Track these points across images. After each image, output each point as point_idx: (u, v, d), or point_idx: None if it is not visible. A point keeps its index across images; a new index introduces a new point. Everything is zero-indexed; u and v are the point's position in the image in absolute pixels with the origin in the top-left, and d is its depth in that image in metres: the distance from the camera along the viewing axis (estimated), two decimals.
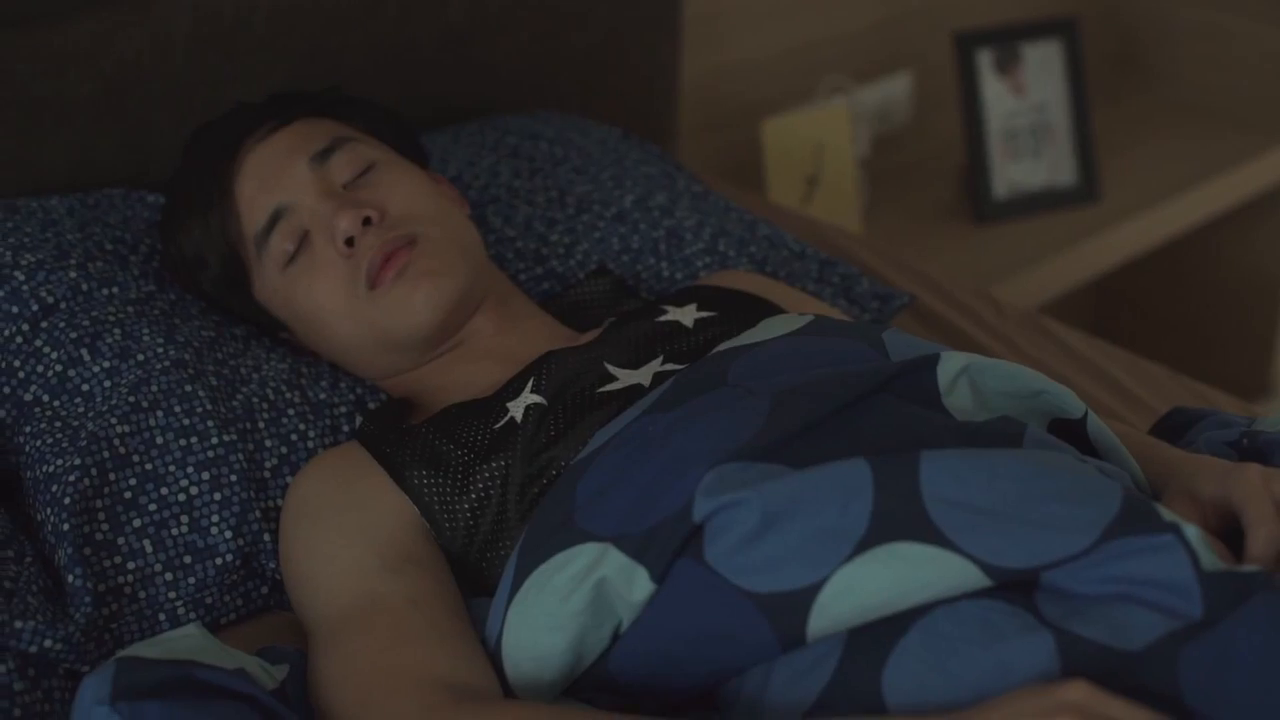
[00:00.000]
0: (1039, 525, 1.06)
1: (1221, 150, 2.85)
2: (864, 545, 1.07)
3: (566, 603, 1.14)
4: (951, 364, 1.24)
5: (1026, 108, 2.66)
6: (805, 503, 1.09)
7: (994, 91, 2.65)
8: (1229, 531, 1.19)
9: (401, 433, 1.39)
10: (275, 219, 1.47)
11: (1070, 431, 1.27)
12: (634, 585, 1.12)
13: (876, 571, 1.06)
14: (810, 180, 2.50)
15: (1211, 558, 1.04)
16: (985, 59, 2.64)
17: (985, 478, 1.08)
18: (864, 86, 2.71)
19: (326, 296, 1.46)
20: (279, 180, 1.49)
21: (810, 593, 1.07)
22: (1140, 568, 1.04)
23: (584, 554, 1.14)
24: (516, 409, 1.36)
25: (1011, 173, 2.66)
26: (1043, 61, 2.66)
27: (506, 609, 1.18)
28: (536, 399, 1.36)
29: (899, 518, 1.07)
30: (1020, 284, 2.48)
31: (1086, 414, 1.26)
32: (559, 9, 2.05)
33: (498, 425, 1.36)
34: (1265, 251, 3.03)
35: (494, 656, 1.21)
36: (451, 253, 1.47)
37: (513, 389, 1.39)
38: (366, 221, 1.44)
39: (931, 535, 1.06)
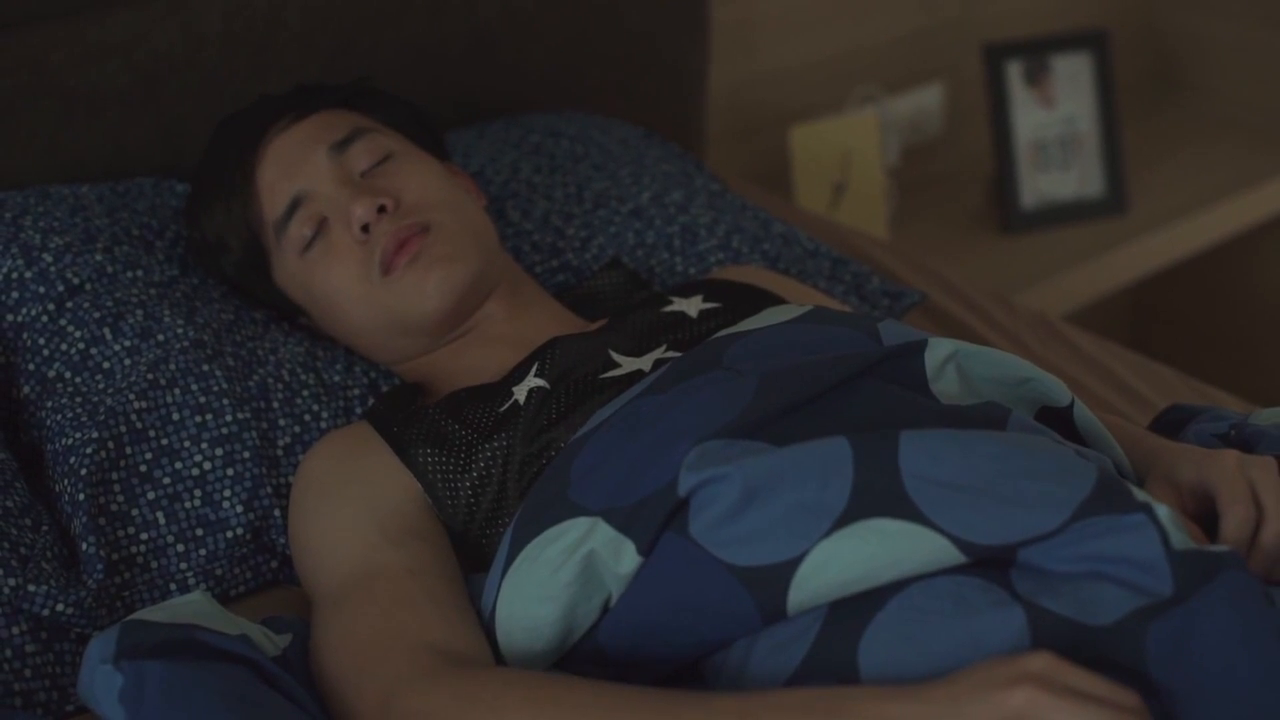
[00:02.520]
0: (1013, 502, 1.08)
1: (1253, 164, 2.86)
2: (843, 521, 1.09)
3: (557, 574, 1.17)
4: (939, 350, 1.26)
5: (1055, 119, 2.68)
6: (786, 478, 1.11)
7: (1023, 103, 2.67)
8: (1208, 517, 1.22)
9: (410, 413, 1.43)
10: (294, 205, 1.52)
11: (1058, 420, 1.30)
12: (621, 557, 1.16)
13: (855, 546, 1.09)
14: (837, 187, 2.53)
15: (1182, 537, 1.06)
16: (1015, 70, 2.66)
17: (961, 454, 1.11)
18: (895, 97, 2.74)
19: (342, 281, 1.50)
20: (299, 168, 1.53)
21: (790, 567, 1.10)
22: (1112, 546, 1.06)
23: (575, 528, 1.18)
24: (520, 392, 1.40)
25: (1040, 184, 2.68)
26: (1072, 73, 2.68)
27: (501, 580, 1.22)
28: (539, 382, 1.40)
29: (877, 493, 1.10)
30: (1046, 293, 2.50)
31: (1073, 402, 1.28)
32: (589, 11, 2.08)
33: (502, 408, 1.39)
34: None
35: (489, 628, 1.24)
36: (464, 239, 1.51)
37: (518, 373, 1.43)
38: (381, 209, 1.48)
39: (909, 511, 1.08)
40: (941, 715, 0.97)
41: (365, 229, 1.48)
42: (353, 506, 1.35)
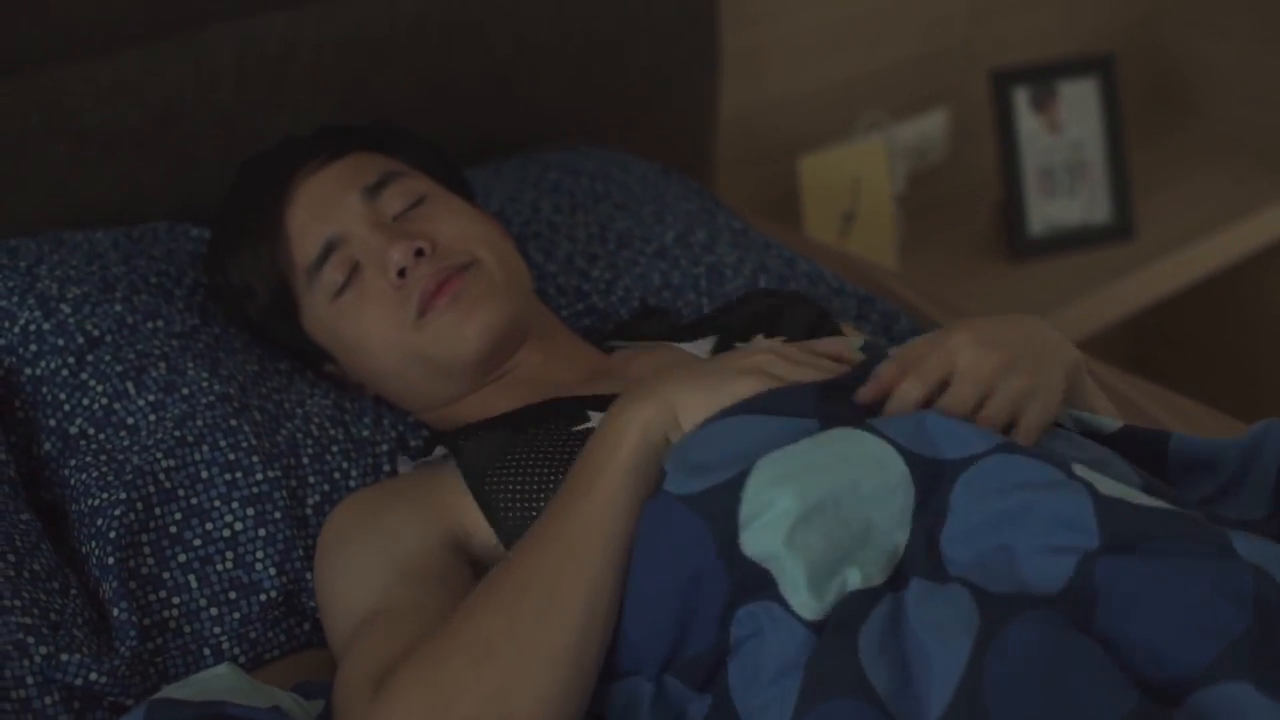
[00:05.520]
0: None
1: (1259, 187, 2.85)
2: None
3: None
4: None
5: (1062, 145, 2.66)
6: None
7: (1030, 128, 2.65)
8: None
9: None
10: (328, 250, 1.48)
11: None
12: None
13: (804, 448, 1.11)
14: (847, 216, 2.51)
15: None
16: (1022, 96, 2.64)
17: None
18: (901, 122, 2.72)
19: (375, 327, 1.46)
20: (332, 211, 1.50)
21: (737, 480, 1.10)
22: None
23: None
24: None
25: (1047, 210, 2.66)
26: (1079, 99, 2.66)
27: None
28: None
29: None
30: (1058, 322, 2.48)
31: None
32: (601, 45, 2.06)
33: (576, 426, 1.37)
34: None
35: None
36: (504, 279, 1.48)
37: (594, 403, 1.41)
38: (419, 253, 1.45)
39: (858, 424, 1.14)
40: (689, 401, 1.18)
41: (402, 274, 1.45)
42: (371, 557, 1.31)
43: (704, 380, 1.20)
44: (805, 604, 1.07)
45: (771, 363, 1.21)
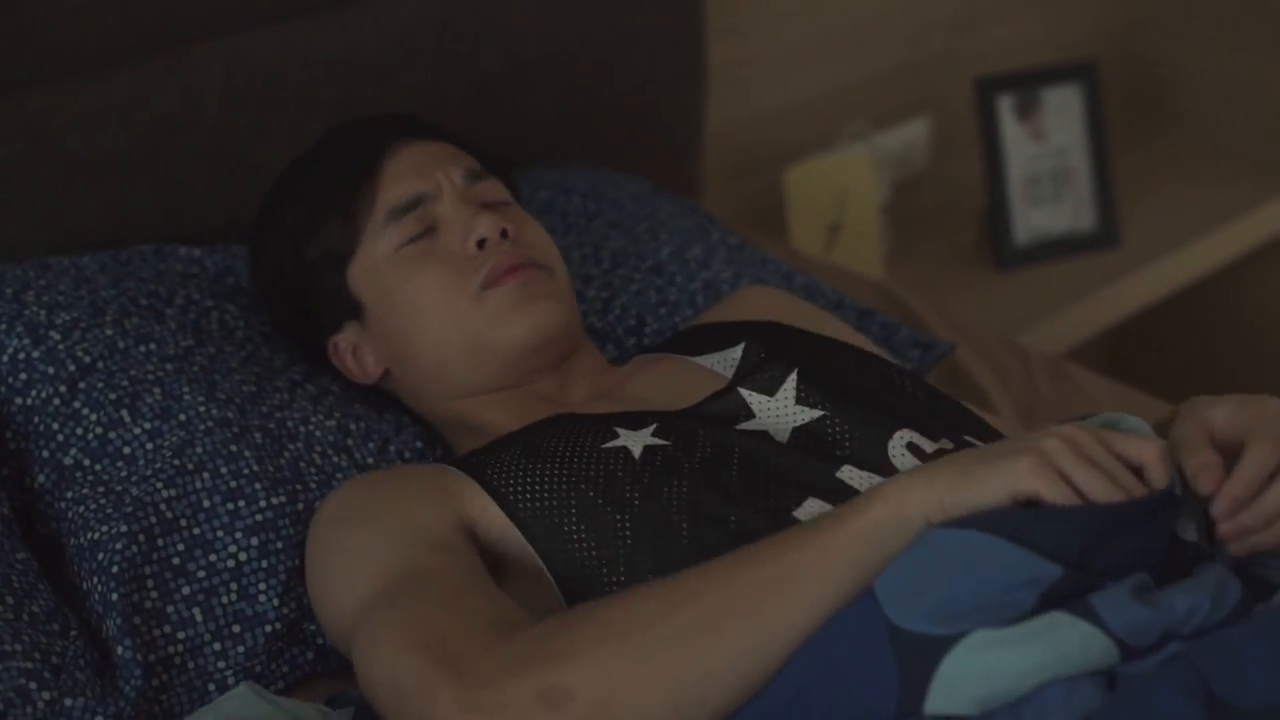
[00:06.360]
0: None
1: (1242, 192, 2.83)
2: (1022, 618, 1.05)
3: None
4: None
5: (1047, 153, 2.65)
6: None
7: (1014, 137, 2.64)
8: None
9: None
10: (417, 202, 1.49)
11: None
12: None
13: (1018, 635, 1.04)
14: (833, 228, 2.49)
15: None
16: (1006, 104, 2.63)
17: None
18: (884, 132, 2.70)
19: (434, 284, 1.46)
20: (431, 174, 1.51)
21: (947, 642, 1.04)
22: None
23: None
24: (632, 442, 1.34)
25: (1032, 219, 2.65)
26: (1063, 106, 2.65)
27: None
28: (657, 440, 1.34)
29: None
30: (1045, 333, 2.47)
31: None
32: (590, 61, 2.05)
33: (604, 444, 1.34)
34: None
35: None
36: (569, 294, 1.51)
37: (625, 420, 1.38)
38: (503, 234, 1.47)
39: (1084, 611, 1.04)
40: (956, 482, 1.08)
41: (481, 244, 1.45)
42: (389, 525, 1.28)
43: (977, 461, 1.11)
44: None
45: (1061, 453, 1.09)
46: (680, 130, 2.21)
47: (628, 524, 1.26)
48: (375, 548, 1.26)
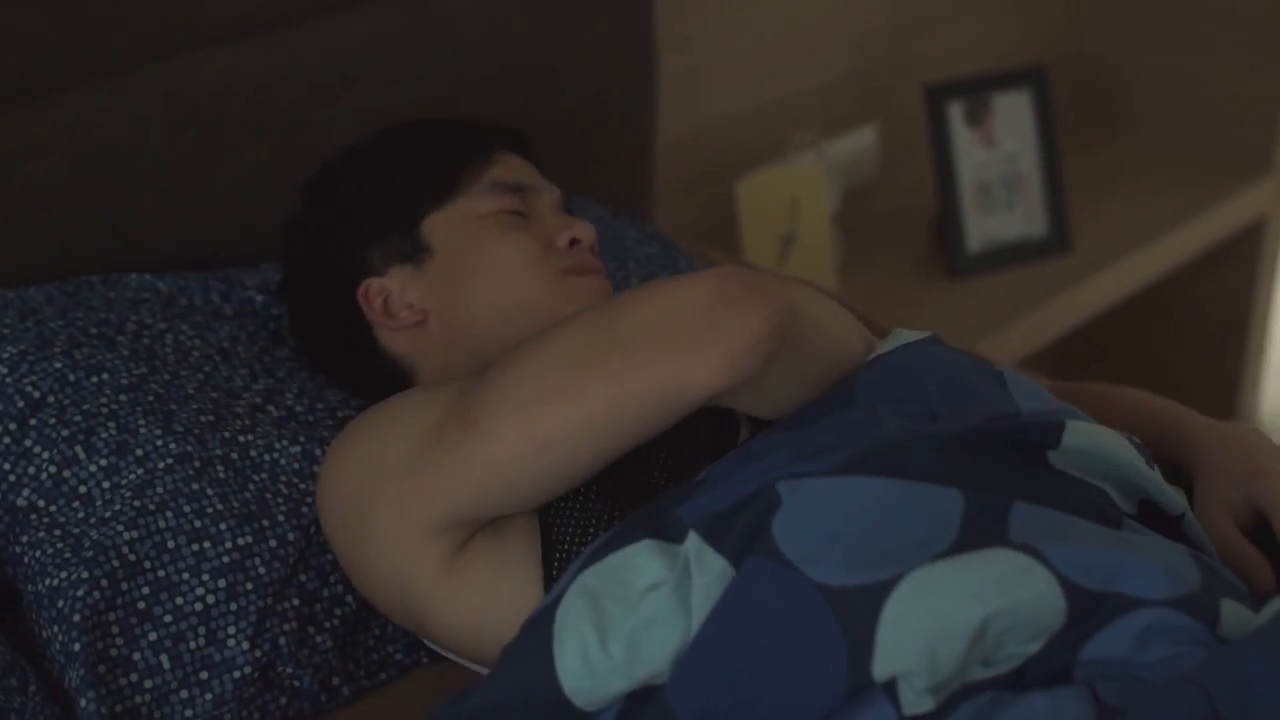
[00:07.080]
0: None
1: (1191, 195, 2.84)
2: (946, 553, 1.06)
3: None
4: (1077, 437, 1.20)
5: (998, 158, 2.63)
6: (893, 506, 1.09)
7: (965, 143, 2.61)
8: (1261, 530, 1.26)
9: None
10: (521, 187, 1.53)
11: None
12: (706, 567, 1.10)
13: (956, 570, 1.04)
14: (786, 239, 2.46)
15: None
16: (956, 111, 2.61)
17: (1065, 527, 1.10)
18: (832, 140, 2.68)
19: (519, 252, 1.47)
20: (539, 177, 1.57)
21: (884, 589, 1.04)
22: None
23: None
24: None
25: (985, 226, 2.62)
26: (1013, 111, 2.64)
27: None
28: None
29: (984, 534, 1.07)
30: (1002, 341, 2.45)
31: (1184, 514, 1.24)
32: (539, 76, 2.01)
33: None
34: (1234, 292, 3.01)
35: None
36: None
37: None
38: (591, 248, 1.52)
39: (1021, 547, 1.06)
40: None
41: (573, 243, 1.49)
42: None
43: None
44: (915, 702, 1.04)
45: None
46: (632, 143, 2.17)
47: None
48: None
